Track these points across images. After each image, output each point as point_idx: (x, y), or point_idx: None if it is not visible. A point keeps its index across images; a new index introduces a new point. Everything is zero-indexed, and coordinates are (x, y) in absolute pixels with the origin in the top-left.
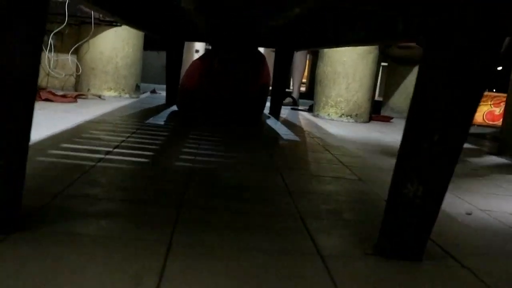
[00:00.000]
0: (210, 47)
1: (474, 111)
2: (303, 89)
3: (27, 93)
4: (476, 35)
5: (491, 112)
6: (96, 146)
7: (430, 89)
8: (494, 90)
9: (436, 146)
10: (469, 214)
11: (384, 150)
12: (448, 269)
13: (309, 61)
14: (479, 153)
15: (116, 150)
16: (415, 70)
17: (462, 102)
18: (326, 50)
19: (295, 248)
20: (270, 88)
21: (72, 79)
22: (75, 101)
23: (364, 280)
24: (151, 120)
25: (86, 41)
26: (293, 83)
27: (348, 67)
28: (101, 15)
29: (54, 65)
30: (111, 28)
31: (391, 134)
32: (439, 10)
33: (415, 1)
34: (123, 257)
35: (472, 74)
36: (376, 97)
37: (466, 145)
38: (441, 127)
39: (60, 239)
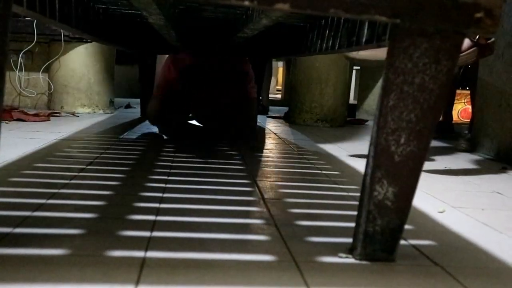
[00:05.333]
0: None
1: (439, 111)
2: (279, 96)
3: None
4: (437, 40)
5: (465, 110)
6: (70, 164)
7: (395, 91)
8: (468, 88)
9: (403, 148)
10: (442, 211)
11: (359, 153)
12: (421, 268)
13: (283, 68)
14: (452, 151)
15: (89, 167)
16: None
17: (426, 103)
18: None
19: (270, 255)
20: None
21: (45, 98)
22: (48, 120)
23: (338, 284)
24: (125, 135)
25: (57, 58)
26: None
27: (321, 73)
28: (70, 33)
29: (25, 84)
30: (81, 44)
31: (366, 137)
32: (400, 15)
33: (377, 5)
34: (97, 274)
35: (435, 77)
36: (351, 101)
37: (440, 143)
38: (406, 129)
39: (32, 261)
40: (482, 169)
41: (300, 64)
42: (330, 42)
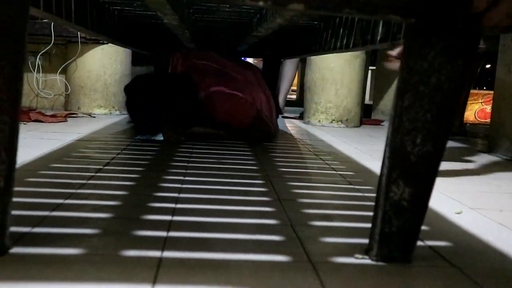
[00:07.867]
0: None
1: (454, 111)
2: (293, 97)
3: (10, 114)
4: (452, 39)
5: (482, 110)
6: (87, 164)
7: (410, 91)
8: (485, 88)
9: (419, 148)
10: (459, 212)
11: (374, 154)
12: (438, 269)
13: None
14: (470, 151)
15: (106, 167)
16: None
17: (442, 103)
18: (313, 57)
19: (286, 255)
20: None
21: (62, 99)
22: (65, 121)
23: (354, 285)
24: (141, 136)
25: (74, 60)
26: (279, 91)
27: (336, 73)
28: (86, 34)
29: (42, 85)
30: (98, 46)
31: (381, 138)
32: (415, 14)
33: (391, 5)
34: (115, 274)
35: (451, 76)
36: (367, 101)
37: (457, 144)
38: (422, 129)
39: (50, 260)
40: (499, 170)
41: (315, 64)
42: (345, 40)
